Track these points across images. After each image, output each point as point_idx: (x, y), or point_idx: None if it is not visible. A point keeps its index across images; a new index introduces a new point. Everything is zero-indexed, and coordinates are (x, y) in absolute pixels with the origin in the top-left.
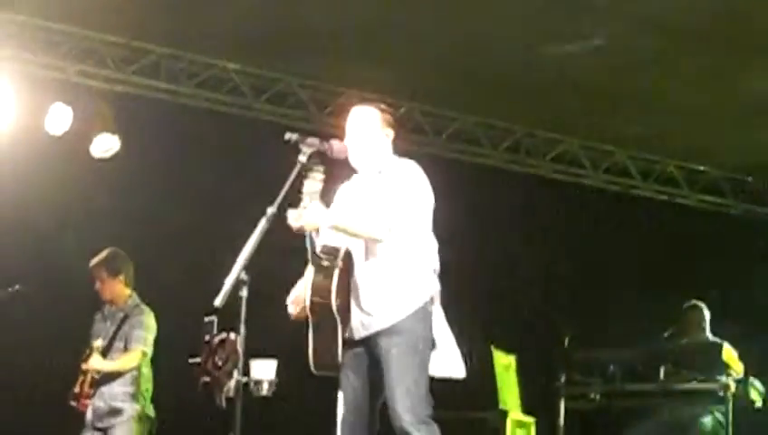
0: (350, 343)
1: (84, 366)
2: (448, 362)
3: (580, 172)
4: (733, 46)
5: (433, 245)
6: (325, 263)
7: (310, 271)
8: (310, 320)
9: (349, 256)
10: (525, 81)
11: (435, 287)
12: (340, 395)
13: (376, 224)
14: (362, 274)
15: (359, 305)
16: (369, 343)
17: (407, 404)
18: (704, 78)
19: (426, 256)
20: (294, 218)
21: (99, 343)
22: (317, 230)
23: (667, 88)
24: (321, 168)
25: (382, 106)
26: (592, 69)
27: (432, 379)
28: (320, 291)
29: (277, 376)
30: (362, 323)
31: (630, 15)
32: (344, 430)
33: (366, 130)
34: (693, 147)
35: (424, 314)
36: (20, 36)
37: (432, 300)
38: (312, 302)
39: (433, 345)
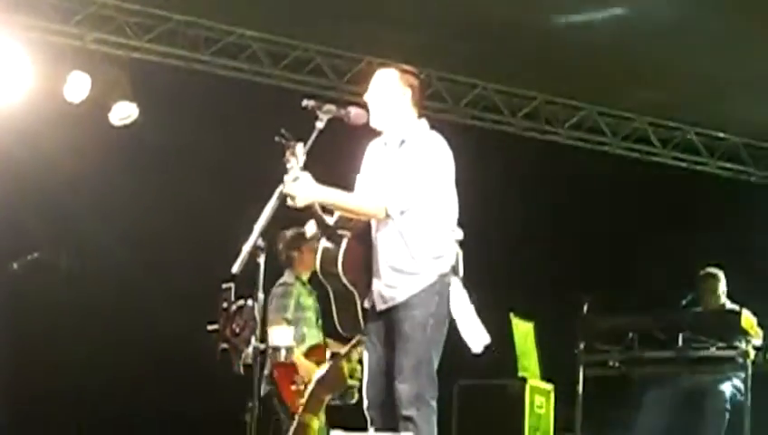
0: (373, 313)
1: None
2: (467, 336)
3: (599, 139)
4: (752, 12)
5: (454, 213)
6: (334, 231)
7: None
8: (327, 287)
9: (366, 225)
10: (545, 48)
11: (455, 257)
12: (366, 359)
13: (372, 205)
14: (379, 244)
15: (379, 278)
16: (389, 315)
17: (408, 381)
18: (723, 44)
19: (445, 226)
20: (287, 191)
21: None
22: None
23: (687, 55)
24: (299, 144)
25: (403, 67)
26: (613, 36)
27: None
28: (328, 259)
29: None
30: (383, 297)
31: None
32: (370, 392)
33: (384, 89)
34: (713, 114)
35: (441, 286)
36: (37, 4)
37: (453, 270)
38: (322, 270)
39: (449, 321)
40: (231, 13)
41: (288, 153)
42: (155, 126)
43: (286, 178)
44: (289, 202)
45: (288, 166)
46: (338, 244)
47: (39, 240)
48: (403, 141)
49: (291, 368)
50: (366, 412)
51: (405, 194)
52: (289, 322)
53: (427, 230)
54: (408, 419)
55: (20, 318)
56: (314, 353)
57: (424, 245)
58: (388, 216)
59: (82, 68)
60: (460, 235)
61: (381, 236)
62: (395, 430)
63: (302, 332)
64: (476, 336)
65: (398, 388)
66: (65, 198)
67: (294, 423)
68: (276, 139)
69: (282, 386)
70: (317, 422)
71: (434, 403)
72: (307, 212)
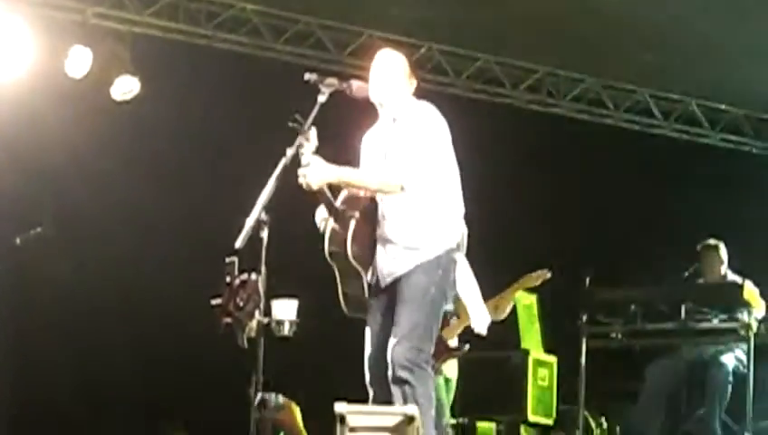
0: (377, 289)
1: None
2: (473, 315)
3: (601, 112)
4: None
5: (457, 187)
6: (344, 212)
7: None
8: (334, 268)
9: (373, 204)
10: (547, 20)
11: (460, 233)
12: (367, 333)
13: (387, 179)
14: (387, 220)
15: (385, 253)
16: (393, 287)
17: (404, 344)
18: (725, 15)
19: (450, 200)
20: (301, 176)
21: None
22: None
23: (691, 26)
24: (311, 128)
25: (406, 54)
26: (614, 7)
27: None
28: (337, 241)
29: (298, 316)
30: (388, 270)
31: None
32: (370, 365)
33: (391, 73)
34: (715, 85)
35: (446, 260)
36: None
37: (458, 246)
38: (330, 251)
39: (453, 297)
40: None
41: (302, 138)
42: (156, 100)
43: (302, 163)
44: (303, 186)
45: (301, 151)
46: (345, 224)
47: (40, 215)
48: (395, 119)
49: None
50: (368, 387)
51: (416, 166)
52: None
53: (433, 203)
54: (404, 381)
55: (23, 292)
56: None
57: (430, 218)
58: (403, 189)
59: (84, 43)
60: (463, 209)
61: (388, 212)
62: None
63: None
64: (480, 317)
65: (393, 349)
66: (67, 172)
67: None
68: (290, 124)
69: None
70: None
71: (429, 368)
72: (318, 194)
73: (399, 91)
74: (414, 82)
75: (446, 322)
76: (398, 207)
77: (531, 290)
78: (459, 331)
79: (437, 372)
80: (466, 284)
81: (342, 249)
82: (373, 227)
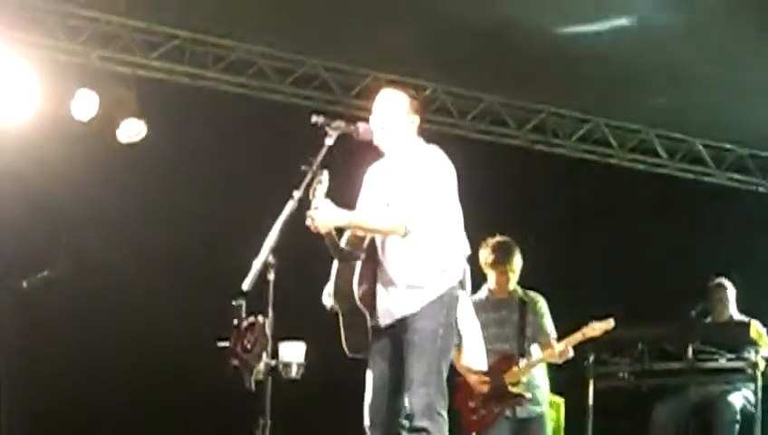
0: (377, 330)
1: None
2: (469, 353)
3: (607, 152)
4: (763, 20)
5: (460, 229)
6: (349, 253)
7: (335, 263)
8: (338, 308)
9: (373, 245)
10: (552, 60)
11: (462, 271)
12: (368, 378)
13: (393, 222)
14: (388, 261)
15: (387, 293)
16: (395, 329)
17: (420, 392)
18: (728, 54)
19: (452, 240)
20: (309, 219)
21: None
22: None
23: (695, 65)
24: (324, 171)
25: (411, 92)
26: (619, 47)
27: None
28: (344, 281)
29: (306, 359)
30: (387, 310)
31: None
32: (371, 410)
33: (392, 114)
34: (720, 125)
35: (450, 299)
36: (43, 22)
37: (461, 284)
38: (336, 293)
39: (458, 334)
40: (237, 29)
41: (315, 181)
42: (163, 143)
43: (312, 205)
44: (311, 228)
45: (313, 193)
46: (351, 266)
47: (49, 258)
48: (400, 159)
49: (469, 386)
50: (367, 431)
51: (420, 209)
52: None
53: (435, 243)
54: (422, 429)
55: (29, 336)
56: (495, 366)
57: (431, 258)
58: (407, 232)
59: (90, 86)
60: (467, 250)
61: (389, 252)
62: None
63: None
64: (476, 356)
65: (409, 399)
66: (75, 216)
67: None
68: (303, 167)
69: (460, 403)
70: None
71: (445, 414)
72: (325, 236)
73: (402, 131)
74: (416, 120)
75: (509, 366)
76: (399, 248)
77: None
78: (523, 375)
79: (502, 416)
80: (467, 321)
81: (349, 291)
82: (374, 269)
